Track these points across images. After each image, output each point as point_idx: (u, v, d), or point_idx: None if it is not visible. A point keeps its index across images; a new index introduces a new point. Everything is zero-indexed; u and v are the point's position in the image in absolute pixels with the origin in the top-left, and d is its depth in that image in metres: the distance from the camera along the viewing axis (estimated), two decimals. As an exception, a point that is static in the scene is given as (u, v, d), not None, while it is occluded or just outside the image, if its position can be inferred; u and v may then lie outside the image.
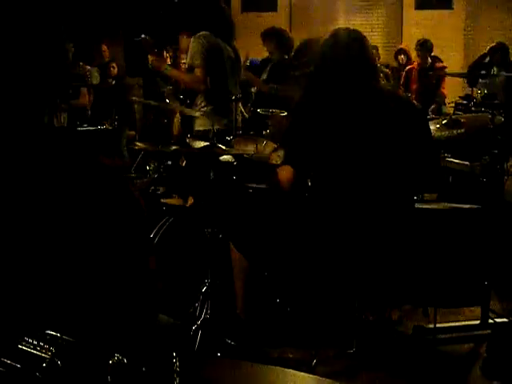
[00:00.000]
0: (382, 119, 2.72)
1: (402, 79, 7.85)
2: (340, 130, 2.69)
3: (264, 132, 4.74)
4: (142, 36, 4.97)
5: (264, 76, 5.93)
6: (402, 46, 9.26)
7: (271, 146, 3.86)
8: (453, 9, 10.89)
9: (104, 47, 8.15)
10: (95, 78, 7.47)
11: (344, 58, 2.77)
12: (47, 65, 1.44)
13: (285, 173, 2.88)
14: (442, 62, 8.19)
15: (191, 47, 4.39)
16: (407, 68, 7.93)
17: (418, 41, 7.93)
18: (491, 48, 7.37)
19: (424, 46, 7.70)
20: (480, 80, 7.05)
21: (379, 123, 2.71)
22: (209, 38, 4.36)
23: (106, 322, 1.33)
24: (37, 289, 1.30)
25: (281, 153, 3.71)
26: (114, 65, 7.81)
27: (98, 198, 1.39)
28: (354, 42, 2.80)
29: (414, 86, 7.67)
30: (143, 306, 1.43)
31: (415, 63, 7.88)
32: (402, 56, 8.63)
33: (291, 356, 3.12)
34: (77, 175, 1.40)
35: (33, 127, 1.43)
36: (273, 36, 5.97)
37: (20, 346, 1.10)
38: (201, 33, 4.37)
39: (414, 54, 8.50)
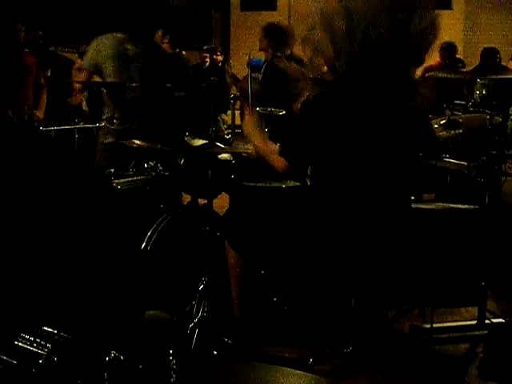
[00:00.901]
0: (394, 118, 2.71)
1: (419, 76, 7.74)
2: (352, 129, 2.66)
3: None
4: None
5: (259, 76, 5.88)
6: None
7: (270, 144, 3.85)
8: (452, 9, 10.89)
9: None
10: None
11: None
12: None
13: (280, 163, 2.80)
14: (463, 66, 8.14)
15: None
16: (426, 66, 7.82)
17: (444, 43, 7.84)
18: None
19: (445, 50, 7.65)
20: (478, 81, 7.05)
21: (391, 122, 2.70)
22: (103, 38, 4.36)
23: (103, 319, 1.33)
24: (33, 286, 1.30)
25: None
26: None
27: (74, 195, 1.39)
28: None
29: None
30: (138, 302, 1.44)
31: (434, 62, 7.76)
32: None
33: (288, 355, 3.13)
34: (45, 172, 1.40)
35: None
36: (274, 35, 5.81)
37: (16, 343, 1.11)
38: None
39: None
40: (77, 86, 4.62)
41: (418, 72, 7.47)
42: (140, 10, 4.56)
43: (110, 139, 4.27)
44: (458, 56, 8.16)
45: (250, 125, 2.96)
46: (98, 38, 4.40)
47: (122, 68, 4.30)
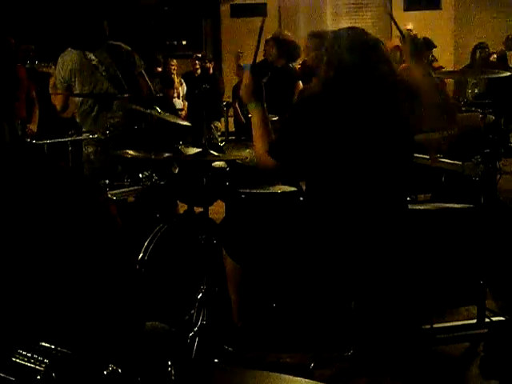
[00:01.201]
0: (393, 116, 2.72)
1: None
2: (346, 129, 2.67)
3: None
4: None
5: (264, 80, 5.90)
6: (396, 44, 9.24)
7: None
8: (441, 9, 10.93)
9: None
10: None
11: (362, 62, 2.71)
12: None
13: (265, 161, 2.81)
14: (437, 61, 8.18)
15: None
16: (401, 67, 7.84)
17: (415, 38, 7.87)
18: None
19: (425, 45, 7.66)
20: (469, 80, 7.08)
21: (387, 122, 2.71)
22: (65, 55, 4.36)
23: (100, 332, 1.33)
24: (30, 301, 1.29)
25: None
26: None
27: (68, 208, 1.39)
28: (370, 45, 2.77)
29: None
30: (135, 314, 1.43)
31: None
32: (398, 53, 8.58)
33: (289, 360, 3.12)
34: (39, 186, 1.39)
35: None
36: (282, 45, 5.88)
37: (14, 359, 1.10)
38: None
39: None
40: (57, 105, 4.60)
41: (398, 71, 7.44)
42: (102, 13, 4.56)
43: (90, 149, 4.29)
44: (446, 56, 8.21)
45: (246, 90, 2.97)
46: (61, 55, 4.40)
47: (88, 79, 4.30)
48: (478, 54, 7.82)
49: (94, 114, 4.35)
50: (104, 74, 4.32)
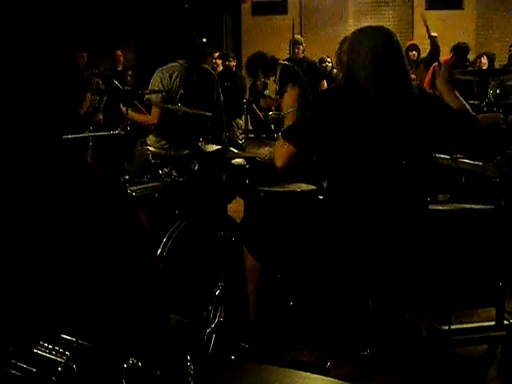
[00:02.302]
0: (411, 116, 2.71)
1: (429, 75, 7.69)
2: (370, 125, 2.67)
3: (276, 135, 4.75)
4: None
5: (277, 87, 5.97)
6: (412, 42, 9.21)
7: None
8: (463, 9, 10.86)
9: (119, 53, 8.12)
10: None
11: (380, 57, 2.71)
12: (59, 78, 1.45)
13: (284, 150, 2.78)
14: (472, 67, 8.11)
15: (152, 81, 4.40)
16: (436, 64, 7.76)
17: (455, 45, 7.84)
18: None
19: (459, 50, 7.63)
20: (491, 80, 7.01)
21: (408, 120, 2.70)
22: (170, 69, 4.36)
23: (121, 325, 1.34)
24: (51, 294, 1.31)
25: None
26: (130, 72, 7.84)
27: (95, 210, 1.40)
28: (389, 39, 2.78)
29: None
30: (156, 308, 1.44)
31: (443, 60, 7.74)
32: (414, 52, 8.55)
33: (305, 358, 3.12)
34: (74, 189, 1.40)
35: (48, 143, 1.44)
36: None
37: (35, 351, 1.11)
38: (167, 65, 4.38)
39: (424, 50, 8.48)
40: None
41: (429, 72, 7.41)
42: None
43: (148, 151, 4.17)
44: (470, 55, 8.14)
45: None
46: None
47: None
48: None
49: None
50: None
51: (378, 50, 2.71)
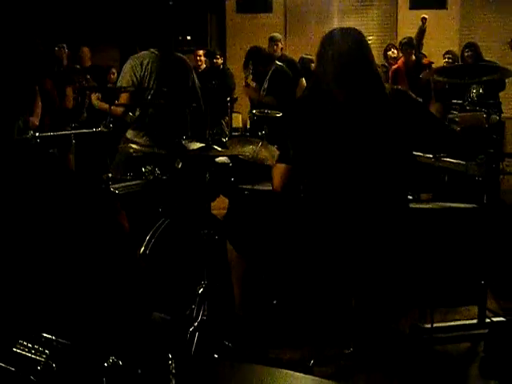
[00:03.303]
0: (384, 117, 2.71)
1: (390, 80, 7.70)
2: (340, 128, 2.68)
3: (260, 133, 4.74)
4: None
5: (265, 85, 6.00)
6: (394, 41, 9.28)
7: (267, 147, 3.86)
8: (447, 9, 10.90)
9: (85, 49, 7.94)
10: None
11: (347, 59, 2.73)
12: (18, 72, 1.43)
13: (278, 171, 2.84)
14: (426, 57, 8.13)
15: (123, 68, 4.39)
16: (393, 68, 7.79)
17: (402, 40, 7.89)
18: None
19: (408, 44, 7.64)
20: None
21: (380, 121, 2.70)
22: (141, 56, 4.34)
23: (101, 324, 1.33)
24: (31, 292, 1.30)
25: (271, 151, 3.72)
26: (114, 70, 7.79)
27: (71, 200, 1.39)
28: (356, 42, 2.78)
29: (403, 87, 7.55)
30: (136, 306, 1.43)
31: (399, 62, 7.75)
32: (394, 50, 8.58)
33: (289, 356, 3.12)
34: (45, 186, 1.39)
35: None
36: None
37: (15, 349, 1.10)
38: (138, 53, 4.38)
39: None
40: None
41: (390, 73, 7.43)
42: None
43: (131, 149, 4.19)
44: (455, 55, 8.16)
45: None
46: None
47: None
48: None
49: None
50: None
51: (343, 55, 2.72)
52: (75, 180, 1.47)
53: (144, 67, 4.28)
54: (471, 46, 7.71)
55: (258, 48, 6.23)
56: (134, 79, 4.25)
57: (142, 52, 4.39)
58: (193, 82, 4.58)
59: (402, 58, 7.69)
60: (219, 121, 7.70)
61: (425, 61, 7.70)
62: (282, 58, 6.87)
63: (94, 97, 6.91)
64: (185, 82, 4.50)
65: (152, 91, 4.26)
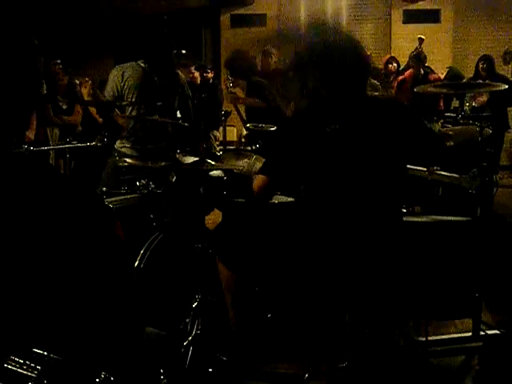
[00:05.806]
0: (376, 129, 2.71)
1: (394, 89, 7.76)
2: (332, 142, 2.68)
3: (254, 147, 4.75)
4: None
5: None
6: (391, 55, 9.33)
7: (261, 160, 3.87)
8: (440, 23, 10.98)
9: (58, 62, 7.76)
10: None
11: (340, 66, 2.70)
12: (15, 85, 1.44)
13: (257, 182, 2.85)
14: (434, 73, 8.16)
15: (108, 77, 4.42)
16: (399, 79, 7.84)
17: (412, 52, 7.94)
18: None
19: (417, 57, 7.69)
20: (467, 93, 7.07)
21: (373, 134, 2.71)
22: (124, 67, 4.35)
23: (93, 340, 1.32)
24: (23, 307, 1.29)
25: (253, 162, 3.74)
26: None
27: (65, 215, 1.38)
28: (351, 47, 2.77)
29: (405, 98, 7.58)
30: (128, 322, 1.42)
31: (407, 74, 7.79)
32: (394, 64, 8.65)
33: (283, 370, 3.11)
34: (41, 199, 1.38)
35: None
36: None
37: (6, 365, 1.09)
38: (125, 64, 4.39)
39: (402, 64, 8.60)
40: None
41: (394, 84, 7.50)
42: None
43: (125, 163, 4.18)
44: (445, 69, 8.22)
45: None
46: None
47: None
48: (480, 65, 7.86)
49: None
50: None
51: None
52: (71, 190, 1.47)
53: (125, 79, 4.28)
54: (487, 60, 7.80)
55: (238, 55, 6.29)
56: (115, 89, 4.27)
57: (128, 63, 4.38)
58: (182, 98, 4.56)
59: (411, 71, 7.73)
60: (208, 134, 7.72)
61: (430, 77, 7.69)
62: (276, 72, 6.89)
63: (84, 91, 6.89)
64: (169, 98, 4.48)
65: (134, 106, 4.26)
